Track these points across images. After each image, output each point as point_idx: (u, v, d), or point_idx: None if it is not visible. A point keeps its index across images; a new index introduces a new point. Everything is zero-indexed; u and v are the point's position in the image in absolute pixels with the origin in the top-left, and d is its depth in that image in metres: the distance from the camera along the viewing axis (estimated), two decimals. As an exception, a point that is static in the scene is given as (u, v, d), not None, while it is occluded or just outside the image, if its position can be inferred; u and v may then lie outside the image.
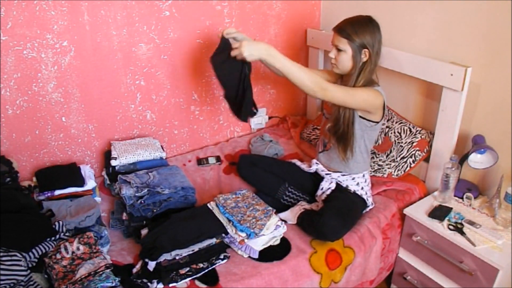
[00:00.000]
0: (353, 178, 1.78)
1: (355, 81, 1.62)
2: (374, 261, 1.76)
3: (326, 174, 1.81)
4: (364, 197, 1.76)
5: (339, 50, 1.62)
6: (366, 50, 1.58)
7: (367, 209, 1.79)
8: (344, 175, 1.78)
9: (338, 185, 1.78)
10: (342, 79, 1.77)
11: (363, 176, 1.79)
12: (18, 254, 1.31)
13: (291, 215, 1.73)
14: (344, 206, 1.67)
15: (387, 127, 2.07)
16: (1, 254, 1.30)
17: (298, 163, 1.95)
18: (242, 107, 1.61)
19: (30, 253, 1.38)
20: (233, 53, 1.49)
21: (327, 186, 1.79)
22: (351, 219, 1.68)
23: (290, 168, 1.95)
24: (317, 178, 1.85)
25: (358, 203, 1.75)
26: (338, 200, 1.70)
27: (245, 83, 1.57)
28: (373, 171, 2.00)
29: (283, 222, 1.61)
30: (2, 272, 1.24)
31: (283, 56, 1.48)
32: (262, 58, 1.48)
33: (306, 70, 1.52)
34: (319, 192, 1.80)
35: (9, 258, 1.29)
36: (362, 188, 1.77)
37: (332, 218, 1.57)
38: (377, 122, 1.68)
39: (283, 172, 1.93)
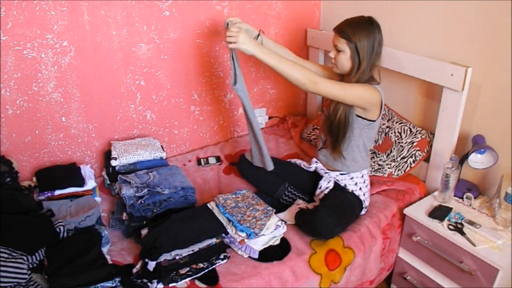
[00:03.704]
0: (352, 178, 1.77)
1: (357, 81, 1.61)
2: (374, 261, 1.75)
3: (325, 173, 1.81)
4: (362, 198, 1.76)
5: (338, 50, 1.62)
6: (363, 51, 1.58)
7: (363, 211, 1.79)
8: (342, 174, 1.78)
9: (336, 184, 1.78)
10: (343, 79, 1.77)
11: (362, 176, 1.79)
12: (22, 258, 1.31)
13: (289, 215, 1.73)
14: (340, 204, 1.67)
15: (387, 127, 2.07)
16: (5, 256, 1.30)
17: (298, 161, 1.95)
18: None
19: (33, 256, 1.39)
20: (228, 38, 1.54)
21: (325, 185, 1.79)
22: (346, 217, 1.68)
23: (290, 167, 1.95)
24: (317, 177, 1.86)
25: (354, 203, 1.74)
26: (335, 198, 1.71)
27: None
28: (373, 171, 2.00)
29: (283, 222, 1.61)
30: (5, 274, 1.24)
31: (269, 54, 1.55)
32: (250, 53, 1.54)
33: (297, 66, 1.56)
34: (317, 191, 1.80)
35: (13, 261, 1.28)
36: (360, 189, 1.77)
37: (327, 216, 1.57)
38: (374, 121, 1.68)
39: (283, 171, 1.93)
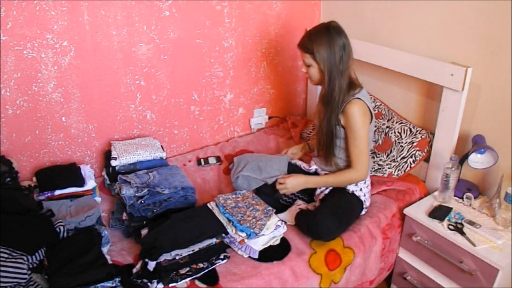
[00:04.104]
0: None
1: (331, 90, 1.60)
2: (374, 261, 1.75)
3: (325, 173, 1.81)
4: (362, 198, 1.76)
5: (307, 65, 1.64)
6: (323, 61, 1.58)
7: (363, 211, 1.79)
8: None
9: None
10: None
11: None
12: (22, 258, 1.31)
13: (289, 215, 1.73)
14: (340, 205, 1.66)
15: (387, 127, 2.07)
16: (5, 256, 1.30)
17: (298, 162, 1.95)
18: None
19: (33, 256, 1.39)
20: (279, 188, 1.74)
21: None
22: (346, 219, 1.67)
23: (290, 168, 1.95)
24: None
25: (354, 204, 1.74)
26: (335, 199, 1.71)
27: None
28: (373, 171, 2.00)
29: (283, 222, 1.61)
30: (5, 274, 1.24)
31: (321, 178, 1.75)
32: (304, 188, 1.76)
33: (341, 173, 1.71)
34: (317, 192, 1.80)
35: (13, 261, 1.28)
36: (360, 189, 1.76)
37: (327, 218, 1.57)
38: None
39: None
